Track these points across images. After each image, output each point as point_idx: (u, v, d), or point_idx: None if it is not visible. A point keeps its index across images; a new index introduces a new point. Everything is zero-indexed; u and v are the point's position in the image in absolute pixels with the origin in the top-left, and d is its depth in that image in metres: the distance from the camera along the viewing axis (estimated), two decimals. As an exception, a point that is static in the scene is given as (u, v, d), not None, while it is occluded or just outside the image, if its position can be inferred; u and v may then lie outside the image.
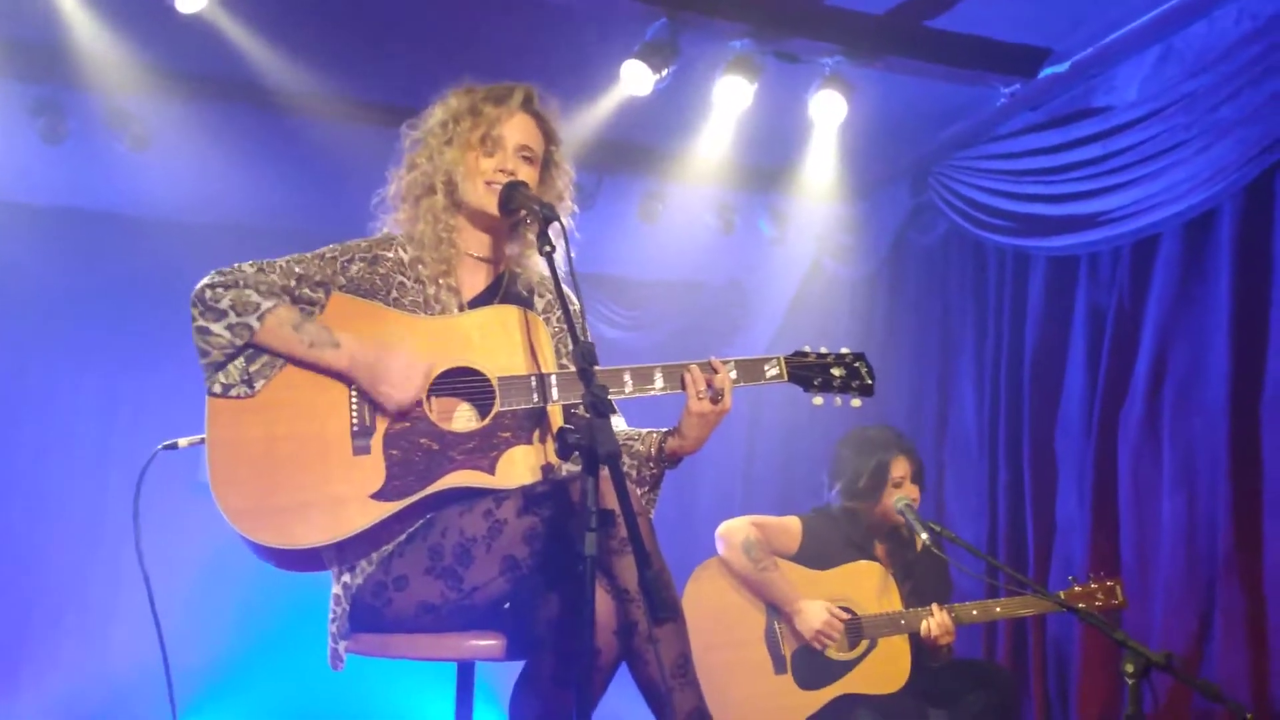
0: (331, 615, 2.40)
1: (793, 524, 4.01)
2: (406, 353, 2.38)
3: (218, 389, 2.35)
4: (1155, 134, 4.34)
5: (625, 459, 2.54)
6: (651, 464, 2.54)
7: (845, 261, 6.34)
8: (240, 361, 2.36)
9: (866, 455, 3.98)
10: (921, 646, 3.81)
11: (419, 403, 2.38)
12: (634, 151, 5.74)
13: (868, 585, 3.89)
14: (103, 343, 6.13)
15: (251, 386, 2.36)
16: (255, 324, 2.34)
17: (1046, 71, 4.82)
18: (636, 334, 6.95)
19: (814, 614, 3.78)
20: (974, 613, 3.80)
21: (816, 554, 3.95)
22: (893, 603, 3.86)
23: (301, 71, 4.81)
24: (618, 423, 2.65)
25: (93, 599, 5.80)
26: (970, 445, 5.41)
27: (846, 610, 3.84)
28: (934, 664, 3.85)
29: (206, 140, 5.24)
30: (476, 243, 2.62)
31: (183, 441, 2.53)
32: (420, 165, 2.58)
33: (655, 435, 2.55)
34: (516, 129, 2.57)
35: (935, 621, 3.73)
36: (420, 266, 2.53)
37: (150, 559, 2.51)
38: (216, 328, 2.34)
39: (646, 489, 2.56)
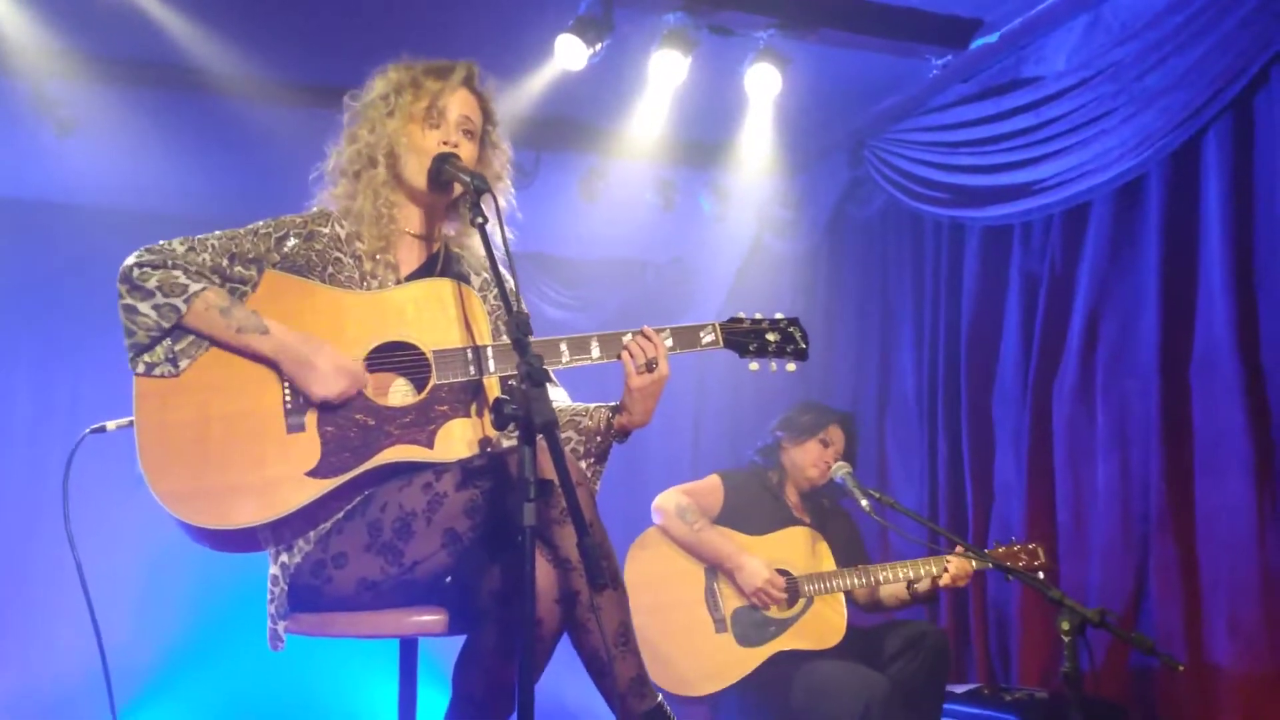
0: (270, 596, 2.38)
1: (714, 482, 4.19)
2: (334, 350, 2.35)
3: (141, 369, 2.32)
4: (1084, 103, 4.39)
5: (572, 434, 2.55)
6: (599, 437, 2.55)
7: (786, 236, 6.38)
8: (166, 341, 2.33)
9: (817, 410, 4.32)
10: (930, 594, 3.97)
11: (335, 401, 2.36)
12: (571, 128, 5.71)
13: (800, 548, 4.04)
14: (32, 332, 6.01)
15: (176, 365, 2.32)
16: (182, 307, 2.31)
17: (978, 43, 4.85)
18: (580, 314, 6.95)
19: (755, 571, 3.88)
20: (888, 574, 3.96)
21: (740, 508, 4.09)
22: (825, 563, 4.00)
23: (230, 53, 4.73)
24: (559, 395, 2.66)
25: (33, 596, 5.70)
26: (910, 413, 5.48)
27: (783, 572, 3.95)
28: (930, 604, 4.04)
29: (135, 125, 5.15)
30: (415, 220, 2.60)
31: (110, 425, 2.49)
32: (362, 137, 2.55)
33: (604, 410, 2.56)
34: (458, 103, 2.57)
35: (955, 565, 3.83)
36: (358, 242, 2.51)
37: (90, 553, 2.46)
38: (143, 307, 2.30)
39: (593, 461, 2.57)
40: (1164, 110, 4.07)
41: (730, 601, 3.93)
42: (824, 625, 3.91)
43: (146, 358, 2.32)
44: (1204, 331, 4.04)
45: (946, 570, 3.85)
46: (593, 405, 2.59)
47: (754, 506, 4.12)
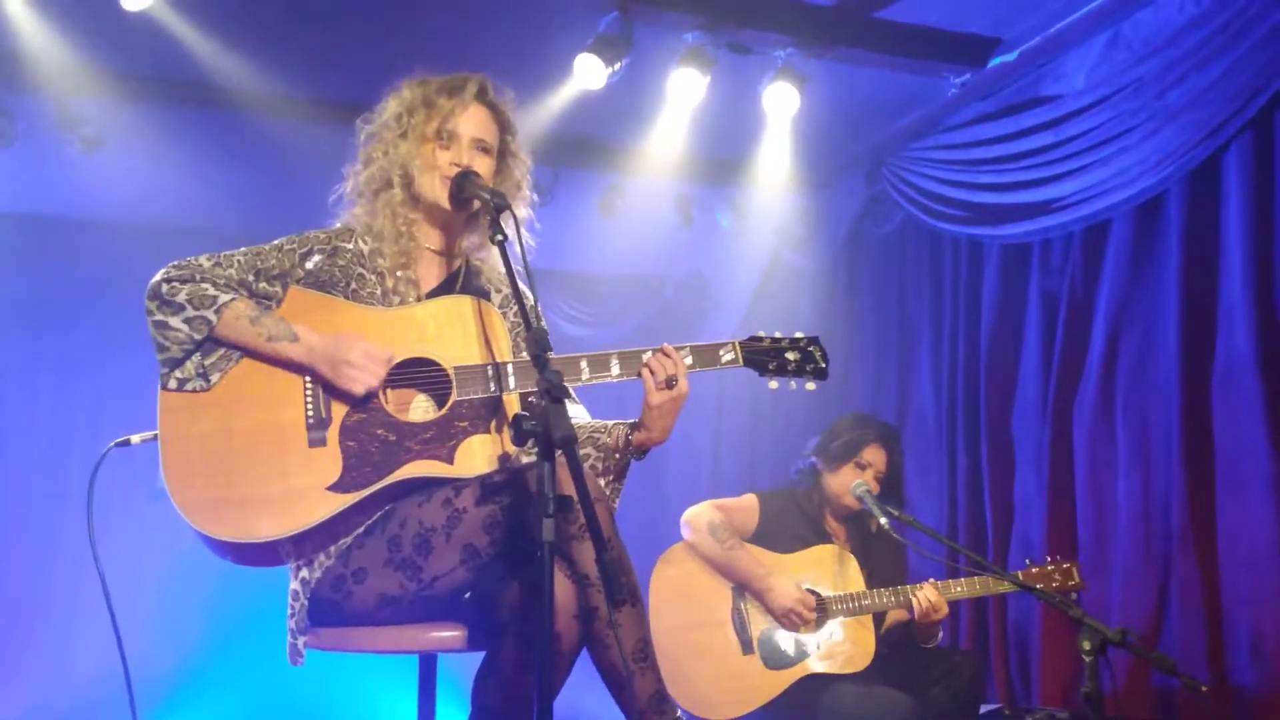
0: (290, 611, 2.39)
1: (750, 502, 4.09)
2: (364, 343, 2.37)
3: (173, 384, 2.34)
4: (1104, 120, 4.40)
5: (591, 451, 2.55)
6: (618, 454, 2.55)
7: (804, 253, 6.39)
8: (196, 356, 2.35)
9: (854, 428, 4.13)
10: (913, 629, 3.85)
11: (376, 393, 2.38)
12: (591, 146, 5.74)
13: (830, 568, 3.94)
14: (56, 347, 6.06)
15: (207, 380, 2.35)
16: (213, 318, 2.34)
17: (996, 61, 4.86)
18: (598, 330, 6.96)
19: (785, 592, 3.81)
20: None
21: (775, 531, 4.01)
22: (855, 584, 3.90)
23: (252, 70, 4.78)
24: (580, 413, 2.66)
25: (54, 607, 5.74)
26: (929, 431, 5.46)
27: (811, 592, 3.88)
28: (926, 644, 3.89)
29: (158, 141, 5.19)
30: (434, 236, 2.62)
31: (135, 438, 2.51)
32: (376, 159, 2.57)
33: (622, 427, 2.56)
34: (471, 122, 2.58)
35: (925, 595, 3.75)
36: (379, 259, 2.53)
37: (112, 565, 2.49)
38: (174, 321, 2.33)
39: (612, 478, 2.56)
40: (1184, 128, 4.07)
41: (758, 623, 3.86)
42: (853, 648, 3.83)
43: (178, 373, 2.34)
44: (1225, 348, 4.02)
45: (915, 603, 3.74)
46: (611, 422, 2.60)
47: (787, 527, 4.02)
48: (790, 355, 2.66)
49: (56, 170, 5.39)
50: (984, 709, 4.11)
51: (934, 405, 5.46)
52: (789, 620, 3.80)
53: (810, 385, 2.68)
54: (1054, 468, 4.66)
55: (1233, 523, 3.93)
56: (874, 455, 4.07)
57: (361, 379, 2.34)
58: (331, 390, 2.36)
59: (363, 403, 2.37)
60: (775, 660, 3.81)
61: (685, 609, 3.84)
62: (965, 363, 5.24)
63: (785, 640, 3.83)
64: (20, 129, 5.07)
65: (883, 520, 3.75)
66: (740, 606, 3.88)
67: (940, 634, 3.95)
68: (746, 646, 3.83)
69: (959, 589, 3.86)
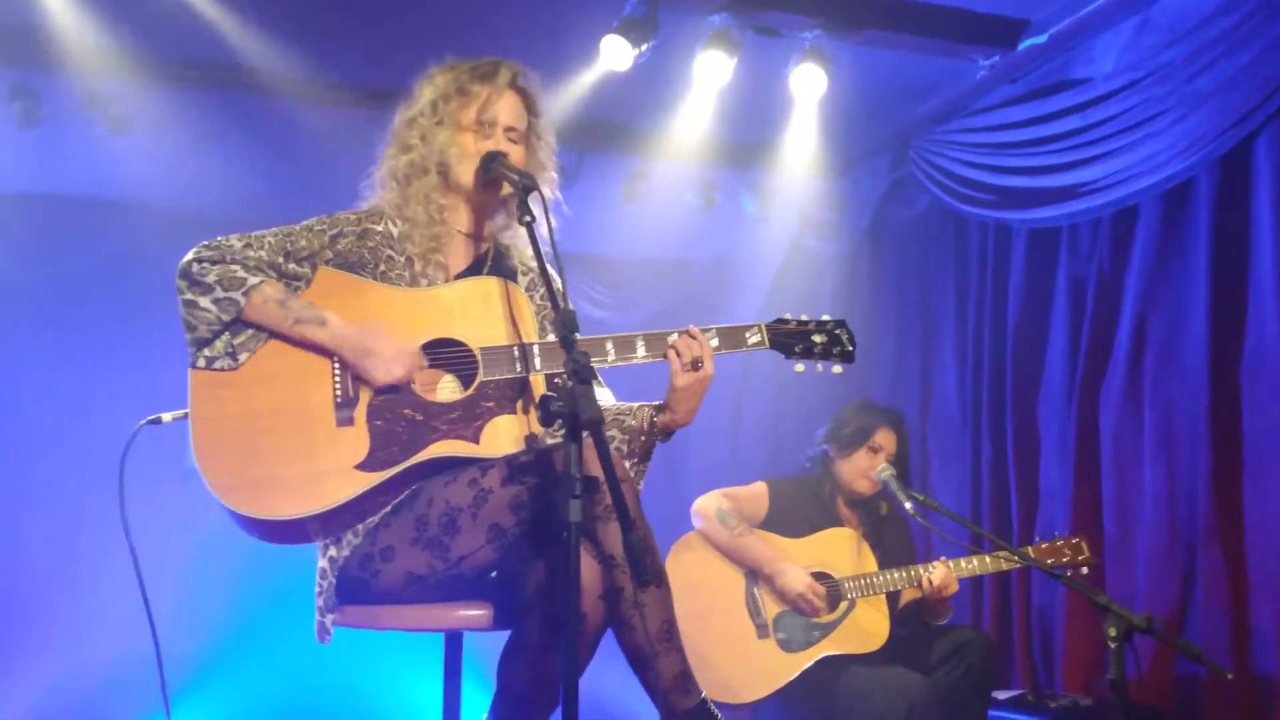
0: (318, 589, 2.41)
1: (759, 490, 4.14)
2: (394, 336, 2.38)
3: (202, 363, 2.36)
4: (1133, 105, 4.35)
5: (616, 433, 2.56)
6: (643, 436, 2.56)
7: (827, 237, 6.36)
8: (226, 335, 2.37)
9: (862, 414, 4.18)
10: (924, 606, 3.93)
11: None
12: (615, 130, 5.73)
13: (843, 549, 3.99)
14: (80, 327, 6.10)
15: (235, 359, 2.37)
16: (241, 300, 2.35)
17: (1025, 43, 4.82)
18: (621, 314, 6.96)
19: (796, 578, 3.84)
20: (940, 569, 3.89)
21: (785, 518, 4.04)
22: (868, 565, 3.95)
23: (279, 54, 4.78)
24: (605, 396, 2.67)
25: (81, 585, 5.78)
26: (953, 416, 5.44)
27: (824, 575, 3.92)
28: (936, 621, 3.97)
29: (185, 124, 5.21)
30: (465, 219, 2.64)
31: (166, 416, 2.53)
32: (415, 146, 2.58)
33: (647, 409, 2.58)
34: (505, 110, 2.60)
35: (936, 572, 3.82)
36: (409, 243, 2.54)
37: (139, 545, 2.50)
38: (203, 302, 2.35)
39: (637, 460, 2.58)
40: (1214, 113, 4.02)
41: (772, 607, 3.89)
42: (867, 629, 3.87)
43: (207, 352, 2.37)
44: (1255, 334, 3.99)
45: (926, 580, 3.81)
46: (636, 404, 2.61)
47: (798, 513, 4.07)
48: (817, 338, 2.66)
49: (83, 151, 5.42)
50: (1006, 694, 4.12)
51: (958, 391, 5.43)
52: (799, 605, 3.83)
53: (837, 368, 2.68)
54: (1079, 454, 4.64)
55: (1260, 511, 3.90)
56: (885, 439, 4.13)
57: (390, 370, 2.36)
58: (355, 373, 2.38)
59: (384, 388, 2.38)
60: (791, 643, 3.85)
61: (700, 595, 3.86)
62: (991, 348, 5.22)
63: (800, 623, 3.86)
64: (48, 109, 5.09)
65: (907, 505, 3.76)
66: (754, 591, 3.91)
67: (950, 611, 4.02)
68: (762, 630, 3.87)
69: (969, 566, 3.91)
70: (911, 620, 4.07)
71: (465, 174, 2.56)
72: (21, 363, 6.06)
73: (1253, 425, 3.96)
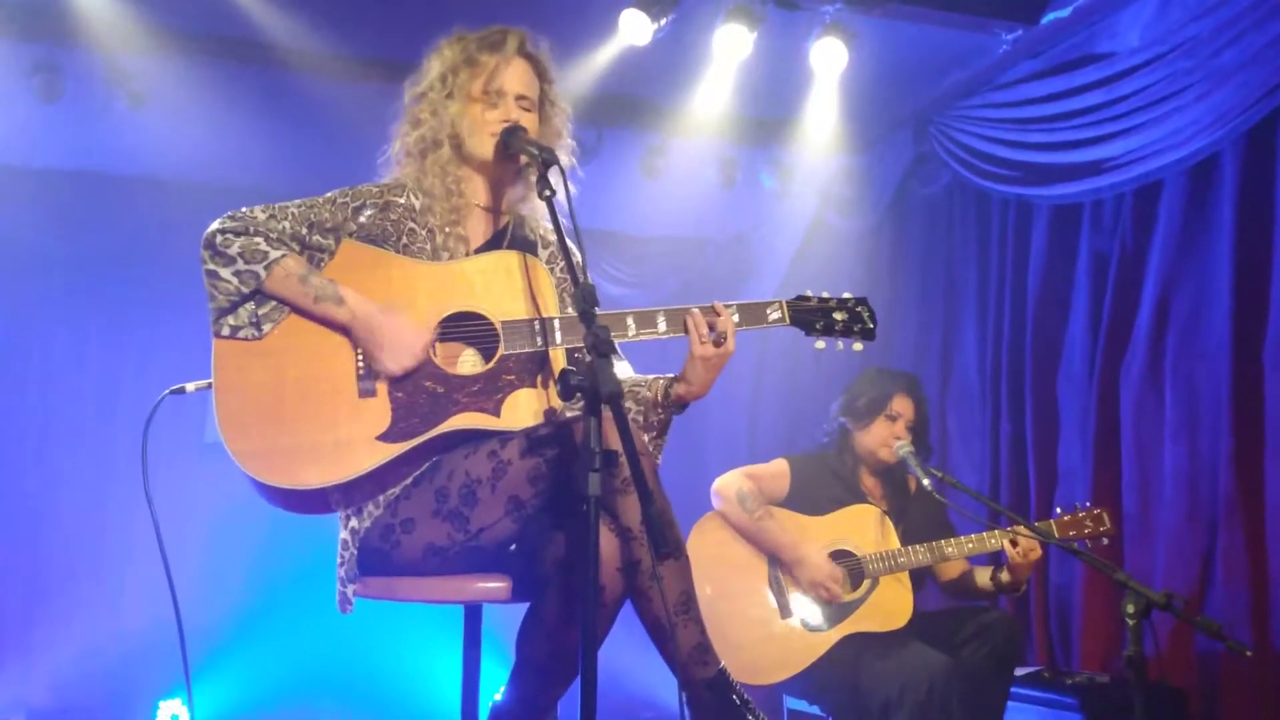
0: (340, 560, 2.43)
1: (780, 467, 4.10)
2: (410, 323, 2.39)
3: (226, 331, 2.38)
4: (1158, 80, 4.31)
5: (632, 404, 2.56)
6: (659, 409, 2.56)
7: (848, 214, 6.33)
8: (250, 305, 2.39)
9: (876, 383, 4.12)
10: (1012, 571, 3.82)
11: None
12: (634, 105, 5.70)
13: (865, 526, 3.95)
14: (102, 301, 6.14)
15: (260, 329, 2.38)
16: (262, 273, 2.37)
17: (1049, 17, 4.77)
18: (641, 291, 6.94)
19: (815, 565, 3.82)
20: (953, 549, 3.87)
21: (808, 495, 4.01)
22: (891, 542, 3.91)
23: (299, 27, 4.78)
24: (623, 369, 2.68)
25: (106, 556, 5.85)
26: (973, 394, 5.43)
27: (847, 553, 3.90)
28: (1014, 593, 3.91)
29: (205, 98, 5.21)
30: (483, 192, 2.64)
31: (190, 386, 2.55)
32: (426, 121, 2.58)
33: (662, 381, 2.58)
34: (515, 78, 2.59)
35: (1025, 541, 3.73)
36: (429, 216, 2.55)
37: (161, 516, 2.51)
38: (225, 273, 2.36)
39: (654, 434, 2.58)
40: (1239, 88, 3.98)
41: (794, 586, 3.87)
42: (891, 607, 3.84)
43: (231, 320, 2.38)
44: (1277, 313, 3.96)
45: (1015, 544, 3.73)
46: (651, 376, 2.61)
47: (821, 490, 4.03)
48: (838, 315, 2.66)
49: (103, 125, 5.43)
50: (1024, 671, 4.11)
51: (978, 368, 5.41)
52: (818, 592, 3.82)
53: (857, 346, 2.67)
54: (1099, 433, 4.62)
55: (1281, 491, 3.88)
56: (902, 405, 4.08)
57: (400, 362, 2.36)
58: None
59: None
60: (815, 623, 3.82)
61: (723, 576, 3.85)
62: (1011, 325, 5.19)
63: (823, 603, 3.84)
64: (68, 84, 5.10)
65: (925, 481, 3.75)
66: (776, 572, 3.90)
67: (1023, 586, 3.92)
68: (785, 610, 3.85)
69: (982, 541, 3.84)
70: (966, 593, 4.03)
71: (478, 146, 2.56)
72: (50, 335, 6.12)
73: (1275, 405, 3.93)
